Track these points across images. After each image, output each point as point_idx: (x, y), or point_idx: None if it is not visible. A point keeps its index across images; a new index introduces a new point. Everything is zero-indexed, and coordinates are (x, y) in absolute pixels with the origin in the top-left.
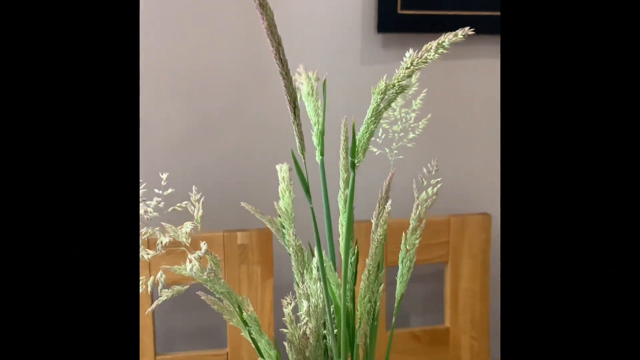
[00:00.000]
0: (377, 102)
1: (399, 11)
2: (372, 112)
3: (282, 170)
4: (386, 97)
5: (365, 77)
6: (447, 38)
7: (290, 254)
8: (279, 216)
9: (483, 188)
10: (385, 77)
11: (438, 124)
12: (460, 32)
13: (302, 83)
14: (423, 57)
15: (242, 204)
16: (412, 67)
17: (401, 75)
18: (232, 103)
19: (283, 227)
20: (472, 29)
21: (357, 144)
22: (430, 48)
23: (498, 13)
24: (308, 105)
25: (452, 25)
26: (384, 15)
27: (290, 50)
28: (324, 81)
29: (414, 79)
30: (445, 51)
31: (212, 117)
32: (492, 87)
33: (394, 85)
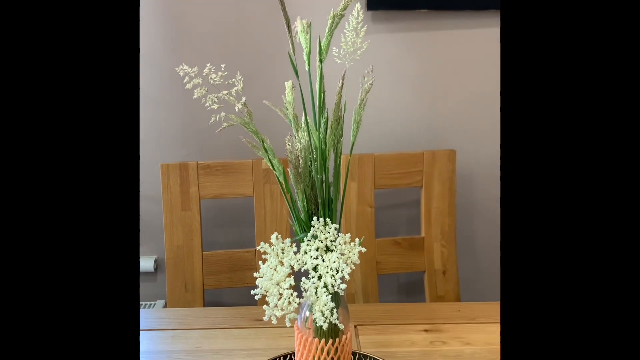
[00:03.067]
0: (330, 25)
1: None
2: (328, 29)
3: (288, 84)
4: (334, 21)
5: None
6: None
7: (290, 120)
8: (285, 104)
9: (450, 130)
10: (332, 10)
11: (426, 81)
12: None
13: (298, 26)
14: None
15: (265, 101)
16: (344, 4)
17: (340, 8)
18: (261, 59)
19: (287, 109)
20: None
21: (322, 47)
22: None
23: None
24: (301, 38)
25: (427, 3)
26: None
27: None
28: (310, 23)
29: (360, 17)
30: None
31: (247, 68)
32: (469, 51)
33: (337, 15)
